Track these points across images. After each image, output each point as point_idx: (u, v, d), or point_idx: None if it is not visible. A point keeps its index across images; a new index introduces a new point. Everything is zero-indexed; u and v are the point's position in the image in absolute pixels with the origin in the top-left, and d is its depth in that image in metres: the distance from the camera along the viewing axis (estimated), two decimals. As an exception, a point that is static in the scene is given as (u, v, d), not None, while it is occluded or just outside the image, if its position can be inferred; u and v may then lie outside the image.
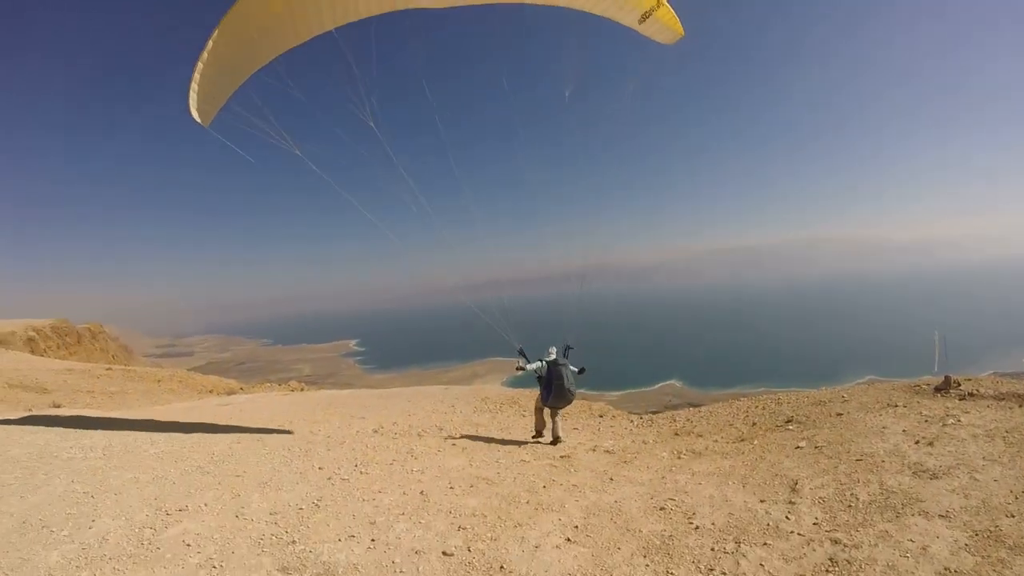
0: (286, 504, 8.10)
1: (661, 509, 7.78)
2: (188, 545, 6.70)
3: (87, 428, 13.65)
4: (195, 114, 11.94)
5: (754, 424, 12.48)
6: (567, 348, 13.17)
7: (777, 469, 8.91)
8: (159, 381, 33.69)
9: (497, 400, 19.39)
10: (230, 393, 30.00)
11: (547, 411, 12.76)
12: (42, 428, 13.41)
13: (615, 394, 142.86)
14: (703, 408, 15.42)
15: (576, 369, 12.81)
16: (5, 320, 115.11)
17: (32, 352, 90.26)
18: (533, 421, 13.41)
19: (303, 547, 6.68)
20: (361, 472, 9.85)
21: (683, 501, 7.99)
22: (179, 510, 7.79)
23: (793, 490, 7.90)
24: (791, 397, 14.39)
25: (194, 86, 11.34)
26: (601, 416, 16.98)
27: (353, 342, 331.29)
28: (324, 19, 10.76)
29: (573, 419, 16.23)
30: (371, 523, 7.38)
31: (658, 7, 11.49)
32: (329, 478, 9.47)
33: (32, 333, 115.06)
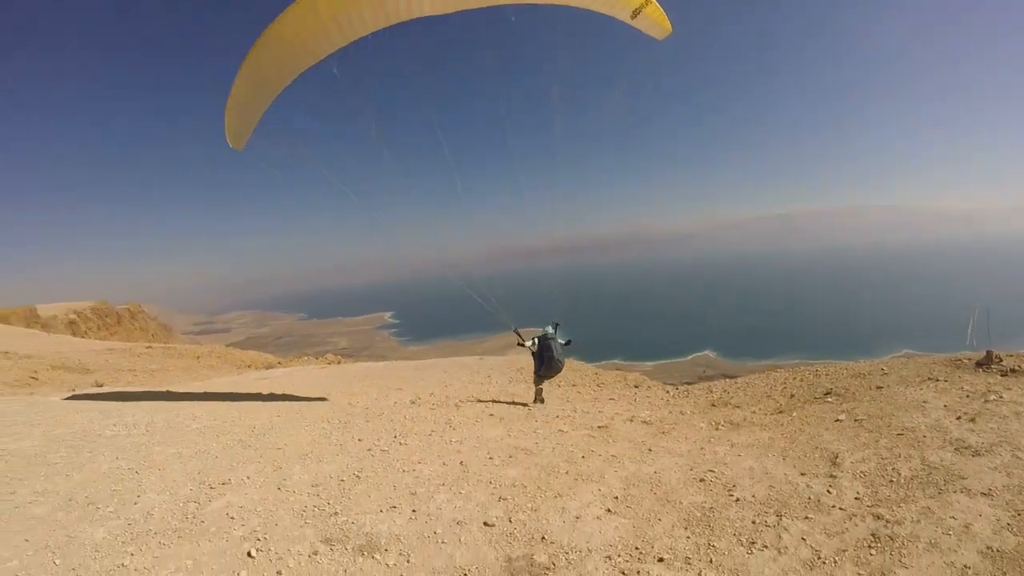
0: (327, 476, 8.13)
1: (701, 481, 7.67)
2: (232, 518, 6.74)
3: (129, 406, 13.83)
4: (229, 141, 13.24)
5: (792, 396, 12.25)
6: (555, 324, 14.17)
7: (817, 442, 8.72)
8: (198, 357, 34.15)
9: (532, 370, 19.40)
10: (268, 367, 30.31)
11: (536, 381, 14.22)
12: (85, 407, 13.59)
13: (648, 364, 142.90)
14: (739, 379, 15.24)
15: (563, 341, 13.88)
16: (47, 304, 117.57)
17: (74, 334, 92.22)
18: (534, 391, 14.49)
19: (345, 518, 6.69)
20: (400, 443, 9.89)
21: (723, 473, 7.88)
22: (222, 483, 7.85)
23: (834, 464, 7.73)
24: (829, 369, 14.11)
25: (227, 118, 12.63)
26: (636, 386, 16.89)
27: (388, 314, 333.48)
28: (334, 39, 11.45)
29: (608, 389, 16.20)
30: (412, 494, 7.38)
31: (647, 4, 12.04)
32: (369, 449, 9.51)
33: (73, 316, 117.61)
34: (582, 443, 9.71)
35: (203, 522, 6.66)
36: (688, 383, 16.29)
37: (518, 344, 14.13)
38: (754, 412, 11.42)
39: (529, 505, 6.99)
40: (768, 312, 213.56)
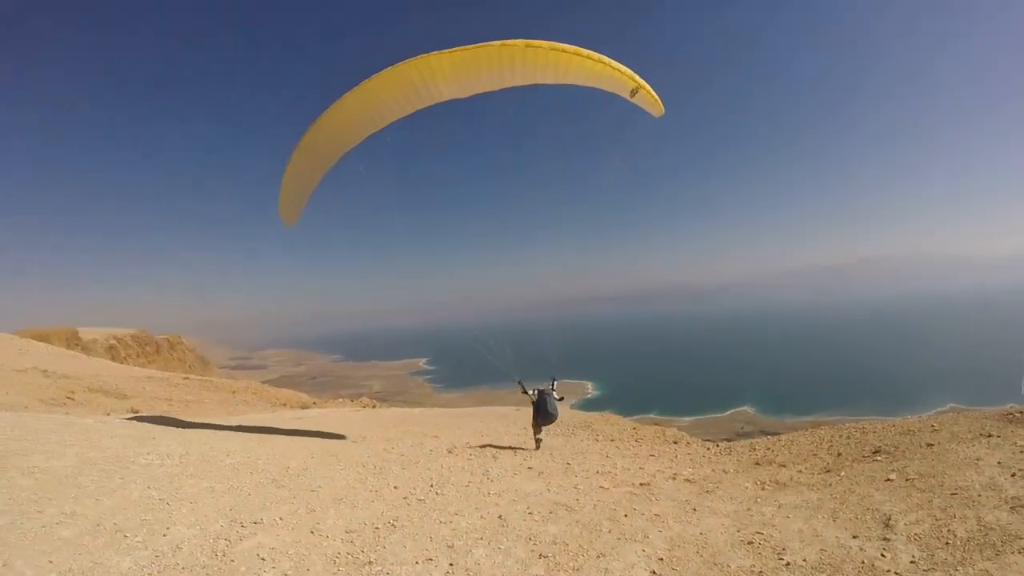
0: (362, 522, 7.89)
1: (749, 543, 7.29)
2: (263, 559, 6.51)
3: (164, 435, 13.70)
4: (283, 219, 15.74)
5: (839, 454, 11.77)
6: (552, 380, 16.02)
7: (868, 503, 8.30)
8: (234, 392, 34.27)
9: (570, 423, 19.04)
10: (304, 407, 30.27)
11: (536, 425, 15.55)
12: (120, 432, 13.42)
13: (686, 420, 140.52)
14: (783, 436, 14.72)
15: (559, 397, 15.56)
16: (88, 328, 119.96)
17: (113, 359, 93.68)
18: (534, 436, 15.71)
19: (379, 568, 6.43)
20: (437, 493, 9.61)
21: (771, 535, 7.49)
22: (254, 523, 7.64)
23: (887, 526, 7.35)
24: (876, 426, 13.57)
25: (281, 201, 15.14)
26: (675, 442, 16.44)
27: (423, 360, 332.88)
28: (370, 126, 14.05)
29: (647, 444, 15.76)
30: (449, 546, 7.09)
31: (640, 88, 13.52)
32: (405, 498, 9.26)
33: (113, 341, 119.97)
34: (624, 501, 9.31)
35: (232, 561, 6.43)
36: (727, 440, 15.83)
37: (521, 392, 15.88)
38: (800, 471, 10.98)
39: (571, 564, 6.66)
40: (809, 366, 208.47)
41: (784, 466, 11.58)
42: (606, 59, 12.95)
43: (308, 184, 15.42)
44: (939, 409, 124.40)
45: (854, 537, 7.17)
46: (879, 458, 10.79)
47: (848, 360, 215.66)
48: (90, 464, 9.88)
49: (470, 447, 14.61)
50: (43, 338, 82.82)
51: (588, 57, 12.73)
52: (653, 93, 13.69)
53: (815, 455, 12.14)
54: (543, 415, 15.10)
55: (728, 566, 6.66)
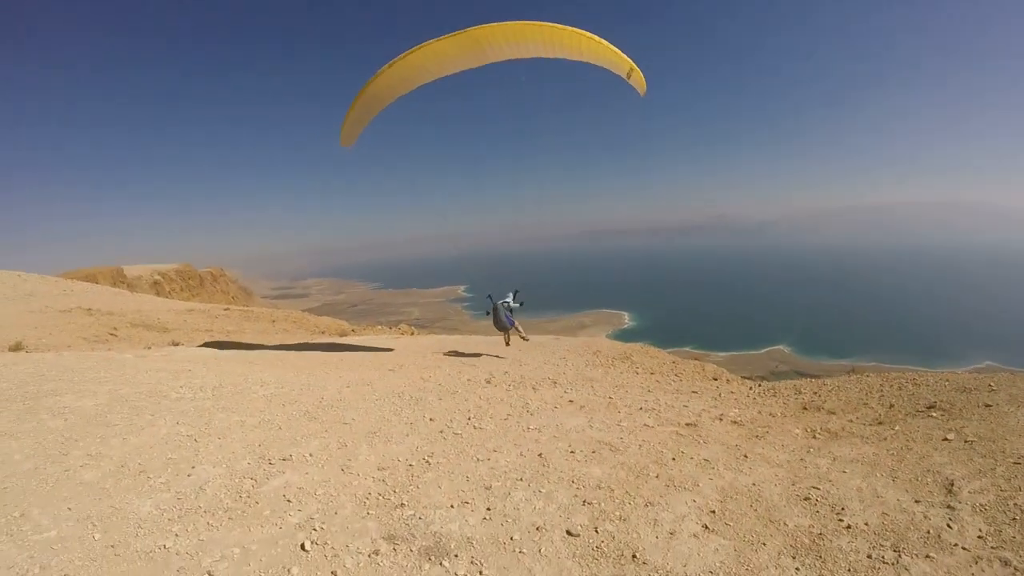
0: (395, 459, 7.53)
1: (806, 499, 6.77)
2: (289, 501, 6.17)
3: (200, 367, 13.73)
4: (343, 141, 18.93)
5: (891, 406, 11.13)
6: (515, 292, 20.56)
7: (927, 463, 7.71)
8: (274, 321, 34.36)
9: (609, 355, 18.55)
10: (342, 335, 30.18)
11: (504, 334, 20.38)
12: (156, 366, 13.44)
13: (721, 355, 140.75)
14: (828, 381, 14.09)
15: (518, 304, 20.14)
16: (133, 266, 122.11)
17: (157, 294, 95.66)
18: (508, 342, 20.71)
19: (412, 512, 6.04)
20: (474, 427, 9.21)
21: (828, 492, 6.96)
22: (282, 459, 7.33)
23: (949, 492, 6.76)
24: (929, 379, 12.84)
25: (343, 126, 18.17)
26: (715, 379, 15.96)
27: (461, 288, 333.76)
28: (418, 80, 17.14)
29: (687, 380, 15.24)
30: (486, 488, 6.68)
31: (633, 71, 16.48)
32: (441, 431, 8.89)
33: (158, 277, 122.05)
34: (671, 442, 8.81)
35: (257, 503, 6.11)
36: (761, 377, 15.40)
37: (487, 312, 19.66)
38: (851, 421, 10.37)
39: (617, 513, 6.19)
40: (848, 309, 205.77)
41: (834, 413, 10.98)
42: (613, 47, 15.96)
43: (370, 113, 18.15)
44: (976, 365, 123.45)
45: (916, 502, 6.62)
46: (934, 414, 10.19)
47: (888, 306, 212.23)
48: (121, 401, 9.83)
49: (508, 377, 14.21)
50: (89, 278, 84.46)
51: (600, 42, 15.72)
52: (641, 76, 16.80)
53: (865, 404, 11.52)
54: (495, 324, 19.51)
55: (784, 523, 6.17)
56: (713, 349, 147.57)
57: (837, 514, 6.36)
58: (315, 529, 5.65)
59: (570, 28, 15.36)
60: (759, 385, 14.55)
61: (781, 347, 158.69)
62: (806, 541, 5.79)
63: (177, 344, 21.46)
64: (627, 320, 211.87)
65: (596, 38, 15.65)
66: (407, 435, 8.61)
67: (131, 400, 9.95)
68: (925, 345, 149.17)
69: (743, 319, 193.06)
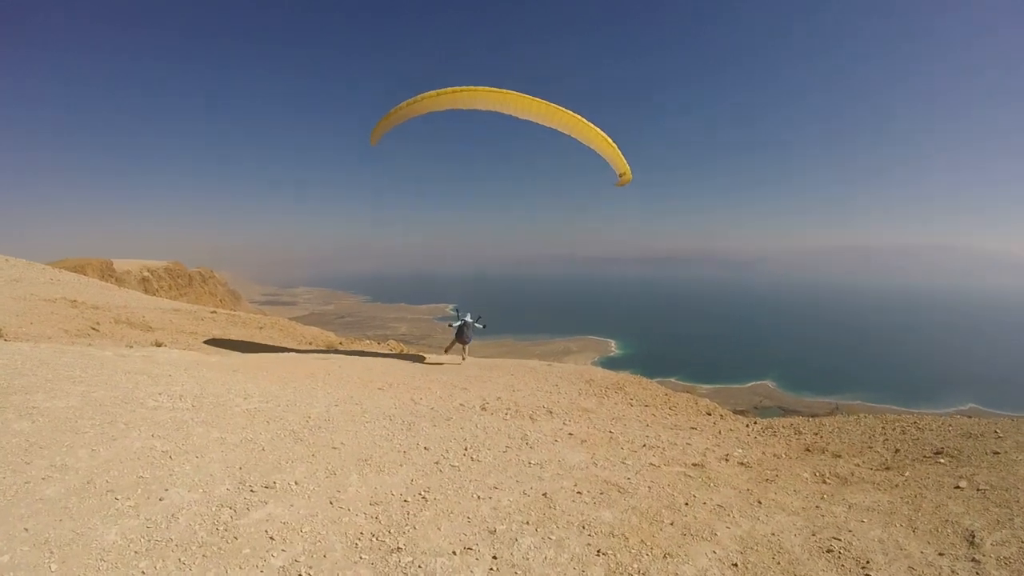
0: (389, 492, 6.95)
1: (828, 551, 6.30)
2: (272, 539, 5.58)
3: (181, 372, 13.11)
4: (372, 139, 22.02)
5: (897, 451, 10.70)
6: (479, 316, 22.46)
7: (944, 513, 7.30)
8: (261, 328, 33.64)
9: (602, 384, 17.98)
10: (329, 347, 29.55)
11: (458, 345, 22.24)
12: (135, 368, 12.81)
13: (705, 387, 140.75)
14: (827, 420, 13.66)
15: (481, 327, 22.27)
16: (123, 260, 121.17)
17: (146, 291, 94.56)
18: (448, 351, 23.14)
19: (410, 558, 5.46)
20: (472, 459, 8.63)
21: (850, 543, 6.50)
22: (265, 487, 6.73)
23: (971, 544, 6.39)
24: (932, 424, 12.49)
25: (375, 129, 21.36)
26: (709, 414, 15.39)
27: (449, 307, 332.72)
28: (446, 108, 19.99)
29: (682, 414, 14.72)
30: (490, 532, 6.11)
31: (624, 175, 20.29)
32: (436, 462, 8.30)
33: (147, 273, 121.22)
34: (680, 484, 8.27)
35: (236, 539, 5.51)
36: (755, 412, 14.84)
37: (453, 314, 22.66)
38: (858, 465, 9.90)
39: (635, 566, 5.65)
40: (834, 348, 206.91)
41: (839, 457, 10.52)
42: (619, 151, 19.68)
43: (398, 121, 21.18)
44: (960, 407, 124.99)
45: (940, 554, 6.23)
46: (942, 460, 9.77)
47: (874, 345, 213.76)
48: (94, 405, 9.25)
49: (502, 403, 13.64)
50: (78, 269, 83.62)
51: (611, 144, 19.61)
52: (629, 178, 20.56)
53: (870, 448, 11.08)
54: (460, 338, 21.80)
55: None
56: (699, 381, 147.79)
57: (862, 568, 5.96)
58: (301, 574, 5.06)
59: (589, 124, 19.10)
60: (755, 423, 14.07)
61: (766, 382, 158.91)
62: (836, 600, 5.31)
63: (160, 345, 20.83)
64: (614, 348, 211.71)
65: (608, 139, 19.47)
66: (401, 465, 8.02)
67: (105, 405, 9.34)
68: (909, 385, 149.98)
69: (730, 352, 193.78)
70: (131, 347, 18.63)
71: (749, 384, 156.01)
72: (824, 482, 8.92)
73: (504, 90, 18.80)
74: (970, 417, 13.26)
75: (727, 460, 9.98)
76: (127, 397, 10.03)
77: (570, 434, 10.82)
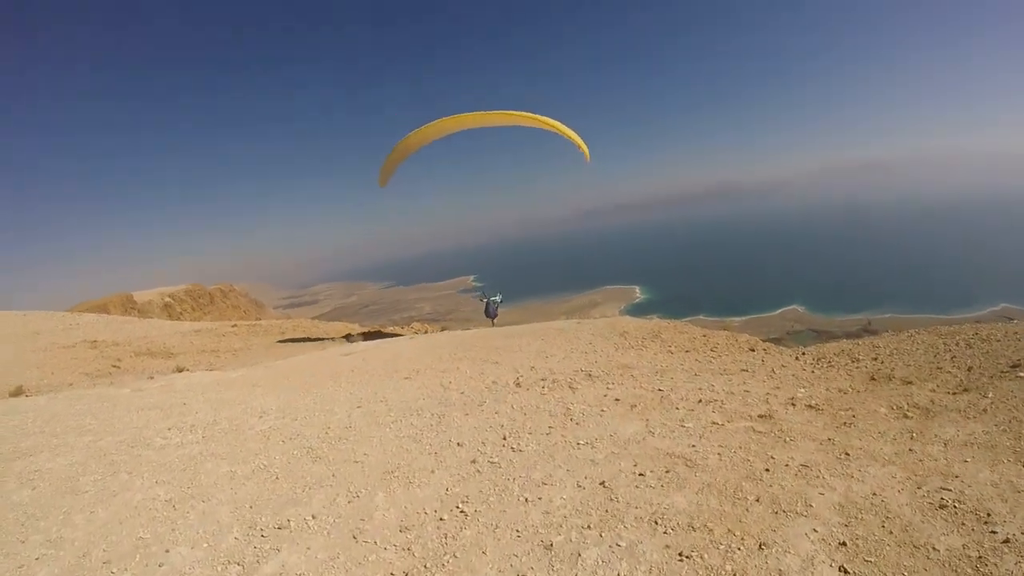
0: (421, 510, 6.02)
1: (942, 507, 5.36)
2: (285, 602, 4.67)
3: (196, 399, 12.55)
4: (380, 182, 24.70)
5: (970, 369, 9.77)
6: (496, 293, 26.36)
7: None
8: (283, 332, 33.07)
9: (637, 335, 16.93)
10: (351, 341, 28.86)
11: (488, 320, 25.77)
12: (149, 403, 12.31)
13: (737, 320, 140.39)
14: (880, 341, 12.73)
15: (499, 300, 26.26)
16: (142, 291, 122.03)
17: (170, 317, 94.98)
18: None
19: (455, 603, 4.50)
20: (512, 449, 7.65)
21: (963, 493, 5.59)
22: (278, 528, 5.86)
23: None
24: (997, 333, 11.54)
25: (382, 170, 23.85)
26: (752, 350, 14.34)
27: (471, 278, 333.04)
28: (437, 135, 22.76)
29: (727, 355, 13.64)
30: (546, 548, 5.12)
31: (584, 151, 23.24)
32: (473, 461, 7.35)
33: (168, 299, 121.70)
34: (753, 445, 7.22)
35: (244, 607, 4.60)
36: (774, 339, 13.86)
37: (481, 299, 26.58)
38: (934, 391, 8.97)
39: (728, 568, 4.64)
40: (857, 265, 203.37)
41: (911, 383, 9.54)
42: (577, 136, 22.92)
43: (398, 162, 24.09)
44: (992, 308, 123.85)
45: None
46: (1022, 374, 8.87)
47: (897, 259, 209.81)
48: (99, 456, 8.75)
49: (537, 372, 12.67)
50: (100, 308, 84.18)
51: (568, 130, 22.80)
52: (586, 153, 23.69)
53: (939, 368, 10.11)
54: (489, 315, 25.79)
55: (934, 548, 4.77)
56: (727, 315, 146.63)
57: (985, 524, 5.03)
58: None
59: (550, 120, 22.35)
60: (803, 353, 13.05)
61: (795, 307, 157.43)
62: (969, 572, 4.43)
63: (182, 370, 20.22)
64: (639, 294, 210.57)
65: (565, 128, 22.80)
66: (432, 471, 7.07)
67: (110, 454, 8.78)
68: (939, 293, 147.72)
69: (754, 283, 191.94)
70: (152, 378, 18.08)
71: (779, 311, 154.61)
72: (906, 416, 8.00)
73: (483, 112, 22.59)
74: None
75: (793, 405, 8.98)
76: (134, 439, 9.47)
77: (616, 399, 9.81)
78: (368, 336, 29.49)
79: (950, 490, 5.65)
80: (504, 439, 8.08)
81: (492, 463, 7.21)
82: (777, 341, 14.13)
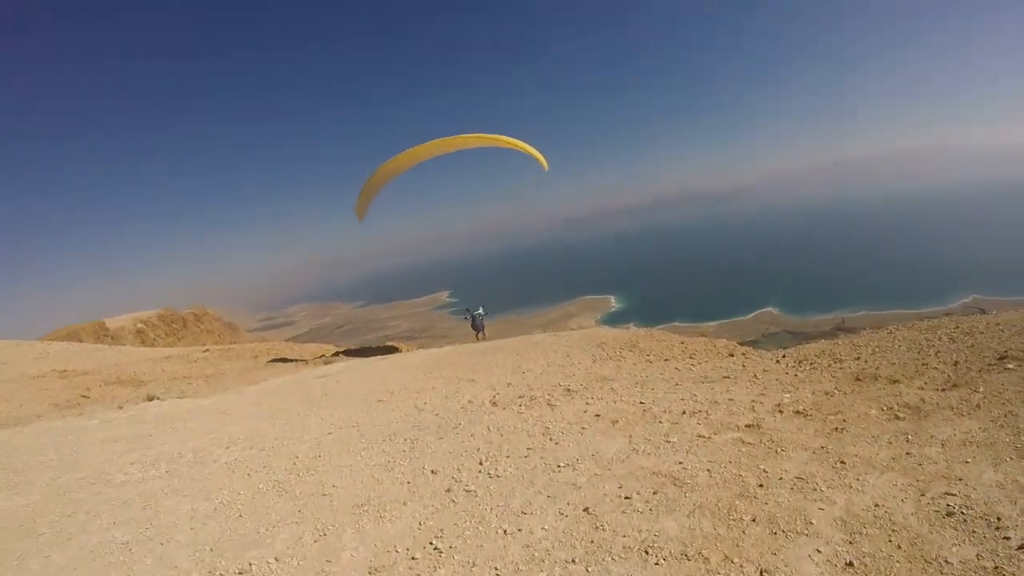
0: (392, 547, 5.62)
1: (948, 515, 5.09)
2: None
3: (161, 430, 12.15)
4: (358, 216, 24.77)
5: (956, 363, 9.58)
6: (479, 307, 26.89)
7: None
8: (256, 356, 32.49)
9: (615, 345, 16.63)
10: (327, 362, 28.34)
11: (477, 334, 26.13)
12: (114, 435, 11.92)
13: (712, 324, 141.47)
14: (860, 340, 12.50)
15: (483, 314, 26.62)
16: (115, 317, 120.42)
17: (143, 342, 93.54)
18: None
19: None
20: (490, 475, 7.25)
21: (968, 497, 5.32)
22: (239, 573, 5.45)
23: None
24: (980, 324, 11.40)
25: (357, 204, 23.89)
26: (731, 355, 14.10)
27: (445, 294, 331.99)
28: (412, 162, 22.82)
29: (707, 361, 13.40)
30: (527, 586, 4.74)
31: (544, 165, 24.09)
32: (448, 490, 6.94)
33: (140, 325, 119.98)
34: (743, 458, 6.88)
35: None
36: (763, 341, 13.68)
37: (467, 314, 26.97)
38: (922, 388, 8.73)
39: (728, 599, 4.29)
40: (828, 264, 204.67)
41: (898, 382, 9.31)
42: (533, 149, 23.64)
43: (372, 195, 24.34)
44: (963, 300, 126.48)
45: None
46: (1011, 366, 8.72)
47: (869, 255, 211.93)
48: (58, 495, 8.44)
49: (514, 389, 12.28)
50: (73, 336, 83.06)
51: (526, 146, 23.52)
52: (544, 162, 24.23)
53: (925, 365, 9.91)
54: (475, 328, 26.25)
55: (947, 561, 4.49)
56: (702, 320, 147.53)
57: (997, 530, 4.79)
58: None
59: (508, 138, 23.41)
60: (784, 356, 12.82)
61: (769, 309, 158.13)
62: (986, 584, 4.12)
63: (152, 398, 19.70)
64: (613, 303, 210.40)
65: (522, 144, 23.63)
66: (405, 503, 6.65)
67: (70, 491, 8.46)
68: (908, 288, 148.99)
69: (727, 286, 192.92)
70: (121, 407, 17.58)
71: (753, 314, 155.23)
72: (898, 417, 7.76)
73: (449, 138, 23.21)
74: (1016, 310, 12.21)
75: (780, 411, 8.68)
76: (95, 476, 9.09)
77: (597, 415, 9.45)
78: (350, 353, 30.09)
79: (955, 495, 5.39)
80: (480, 464, 7.70)
81: (468, 491, 6.82)
82: (753, 344, 14.09)
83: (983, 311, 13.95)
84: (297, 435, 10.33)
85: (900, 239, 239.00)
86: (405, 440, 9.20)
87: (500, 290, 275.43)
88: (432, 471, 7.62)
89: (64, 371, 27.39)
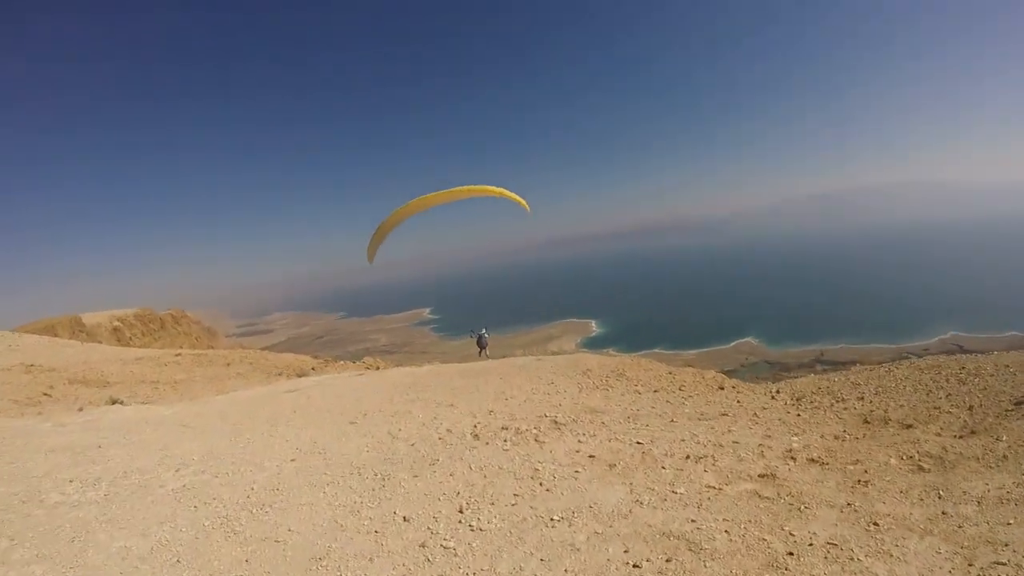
0: (355, 631, 4.63)
1: None
2: None
3: (112, 442, 11.21)
4: (369, 258, 22.37)
5: (971, 408, 9.10)
6: (485, 327, 27.87)
7: None
8: (228, 364, 31.51)
9: (601, 373, 15.82)
10: (301, 375, 27.31)
11: (482, 351, 26.81)
12: (63, 444, 11.02)
13: (691, 353, 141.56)
14: (860, 379, 12.05)
15: (487, 335, 27.48)
16: (92, 313, 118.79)
17: (119, 341, 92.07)
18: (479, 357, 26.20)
19: None
20: (471, 527, 6.29)
21: (1020, 566, 4.69)
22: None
23: None
24: (988, 366, 10.88)
25: (368, 249, 21.44)
26: (722, 388, 13.43)
27: (426, 310, 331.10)
28: (415, 212, 20.10)
29: (698, 395, 12.86)
30: None
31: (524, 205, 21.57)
32: (422, 544, 5.98)
33: (117, 323, 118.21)
34: (763, 516, 6.00)
35: None
36: (742, 371, 13.05)
37: (471, 335, 27.75)
38: (939, 435, 8.16)
39: None
40: (809, 297, 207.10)
41: (911, 426, 8.74)
42: (518, 197, 21.44)
43: (381, 240, 22.23)
44: (941, 336, 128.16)
45: None
46: None
47: (848, 288, 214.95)
48: None
49: (498, 421, 11.31)
50: (48, 329, 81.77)
51: (513, 196, 21.13)
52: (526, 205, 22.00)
53: (937, 408, 9.38)
54: (481, 348, 26.80)
55: None
56: (682, 348, 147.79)
57: None
58: None
59: (491, 187, 21.61)
60: (778, 392, 12.35)
61: (748, 339, 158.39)
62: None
63: (114, 402, 18.81)
64: (594, 327, 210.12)
65: (506, 191, 21.81)
66: (371, 559, 5.68)
67: None
68: (888, 322, 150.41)
69: (708, 315, 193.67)
70: (81, 409, 16.79)
71: (732, 343, 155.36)
72: (921, 468, 7.11)
73: (449, 190, 21.84)
74: (1019, 351, 11.72)
75: (793, 459, 7.88)
76: (31, 492, 8.17)
77: (591, 456, 8.54)
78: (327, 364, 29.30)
79: (1005, 564, 4.76)
80: (461, 512, 6.74)
81: (446, 548, 5.86)
82: (731, 373, 13.67)
83: (961, 348, 13.47)
84: (257, 460, 9.36)
85: (879, 273, 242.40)
86: (375, 476, 8.25)
87: (482, 309, 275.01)
88: (404, 518, 6.67)
89: (31, 365, 26.85)
